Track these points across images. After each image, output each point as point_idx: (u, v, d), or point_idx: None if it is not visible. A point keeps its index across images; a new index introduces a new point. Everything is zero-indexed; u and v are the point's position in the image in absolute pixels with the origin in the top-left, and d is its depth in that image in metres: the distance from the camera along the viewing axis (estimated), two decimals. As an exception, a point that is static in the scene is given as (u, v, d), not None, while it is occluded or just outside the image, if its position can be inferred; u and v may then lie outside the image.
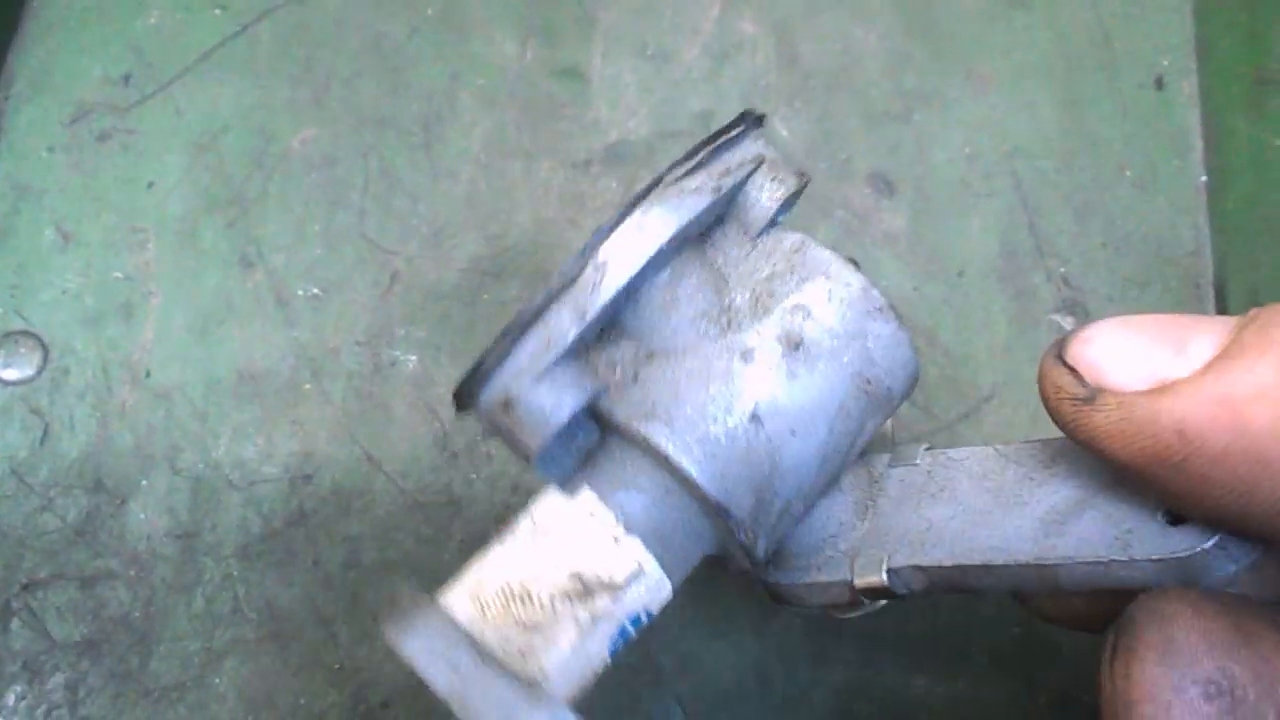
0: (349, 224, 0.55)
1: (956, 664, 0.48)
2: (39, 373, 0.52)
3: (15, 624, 0.48)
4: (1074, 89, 0.58)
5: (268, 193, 0.56)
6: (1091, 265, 0.55)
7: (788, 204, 0.32)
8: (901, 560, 0.30)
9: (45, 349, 0.52)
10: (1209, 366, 0.22)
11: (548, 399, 0.28)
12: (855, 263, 0.31)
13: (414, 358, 0.53)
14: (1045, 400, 0.26)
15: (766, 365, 0.28)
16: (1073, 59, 0.59)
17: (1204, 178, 0.56)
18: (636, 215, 0.28)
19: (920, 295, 0.54)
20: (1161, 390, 0.22)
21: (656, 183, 0.29)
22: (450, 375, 0.52)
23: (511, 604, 0.28)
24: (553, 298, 0.28)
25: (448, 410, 0.52)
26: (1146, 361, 0.23)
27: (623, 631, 0.29)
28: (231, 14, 0.59)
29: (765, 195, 0.30)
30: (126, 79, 0.57)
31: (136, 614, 0.48)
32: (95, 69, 0.58)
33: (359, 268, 0.54)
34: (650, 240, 0.28)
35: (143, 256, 0.54)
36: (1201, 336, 0.22)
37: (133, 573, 0.49)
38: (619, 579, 0.28)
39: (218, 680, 0.47)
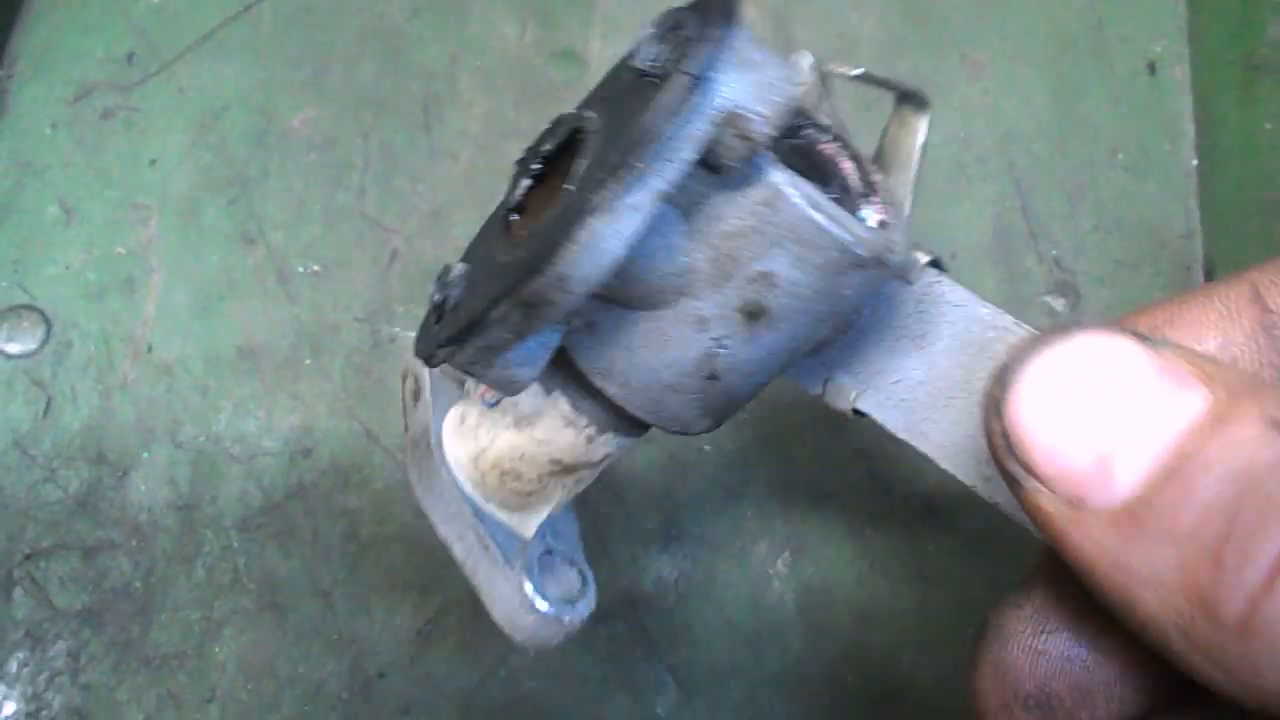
0: (349, 202, 0.56)
1: (944, 640, 0.48)
2: (42, 346, 0.52)
3: (18, 593, 0.48)
4: (1067, 74, 0.59)
5: (269, 171, 0.56)
6: (1083, 248, 0.55)
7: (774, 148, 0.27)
8: (865, 406, 0.31)
9: (48, 323, 0.53)
10: (1108, 519, 0.23)
11: (518, 367, 0.27)
12: (842, 208, 0.28)
13: (412, 334, 0.53)
14: (987, 439, 0.25)
15: (724, 332, 0.27)
16: (1066, 44, 0.60)
17: (1195, 162, 0.57)
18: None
19: (913, 276, 0.55)
20: (1076, 515, 0.22)
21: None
22: (448, 352, 0.53)
23: (505, 479, 0.31)
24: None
25: (446, 386, 0.52)
26: (1072, 468, 0.23)
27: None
28: (234, -6, 0.60)
29: (737, 144, 0.25)
30: (129, 58, 0.58)
31: (137, 584, 0.49)
32: (98, 48, 0.58)
33: (359, 245, 0.55)
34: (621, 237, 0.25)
35: (145, 233, 0.55)
36: (1125, 462, 0.22)
37: (134, 543, 0.49)
38: (595, 459, 0.31)
39: (217, 649, 0.48)
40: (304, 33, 0.59)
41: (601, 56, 0.60)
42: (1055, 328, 0.24)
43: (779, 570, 0.50)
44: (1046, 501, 0.23)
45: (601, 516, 0.50)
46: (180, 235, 0.55)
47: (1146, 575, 0.22)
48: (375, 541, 0.50)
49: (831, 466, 0.51)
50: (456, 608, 0.49)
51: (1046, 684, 0.26)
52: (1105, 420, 0.23)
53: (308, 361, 0.53)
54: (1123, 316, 0.28)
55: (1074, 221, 0.56)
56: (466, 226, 0.55)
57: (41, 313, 0.53)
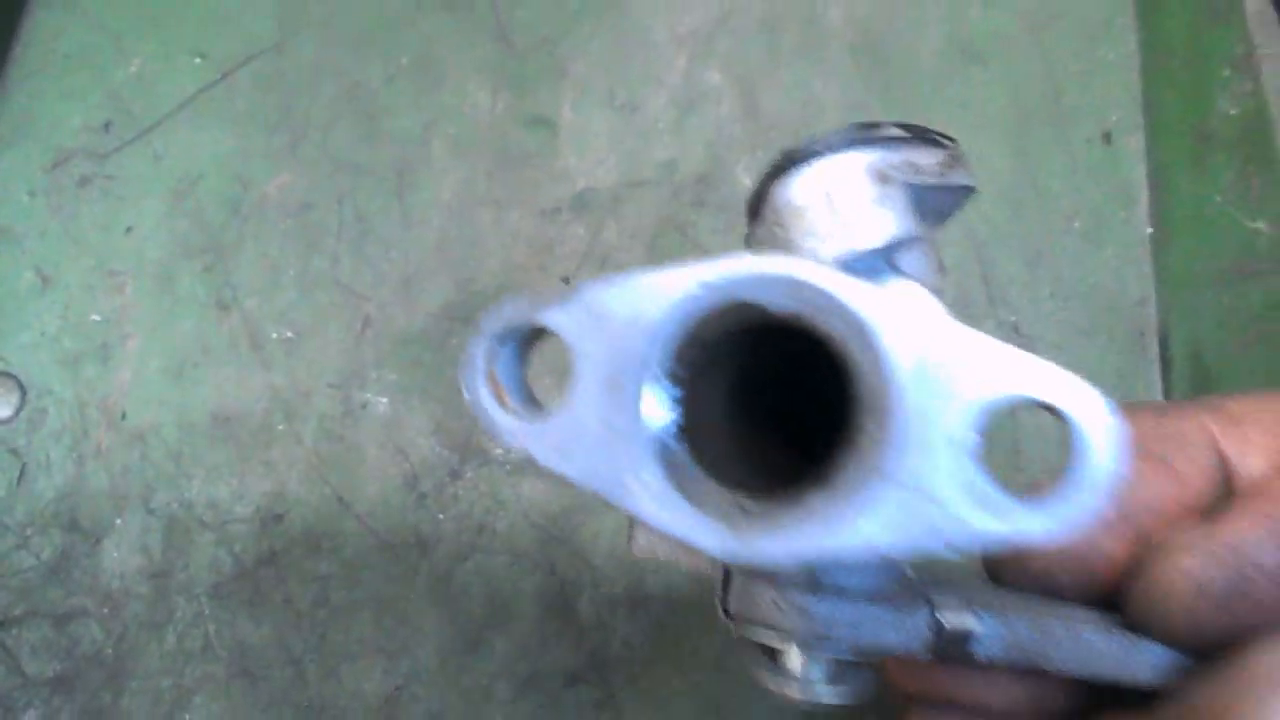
0: (323, 269, 0.57)
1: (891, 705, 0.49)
2: (16, 413, 0.53)
3: (-10, 661, 0.49)
4: (1026, 142, 0.61)
5: (244, 238, 0.57)
6: (1040, 314, 0.57)
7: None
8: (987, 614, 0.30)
9: (23, 390, 0.53)
10: None
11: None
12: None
13: (385, 400, 0.54)
14: None
15: None
16: (1025, 113, 0.61)
17: (1150, 230, 0.59)
18: None
19: (876, 342, 0.56)
20: None
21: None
22: (420, 418, 0.54)
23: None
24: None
25: (418, 452, 0.53)
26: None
27: None
28: (211, 62, 0.61)
29: None
30: (107, 126, 0.59)
31: (109, 651, 0.49)
32: (76, 115, 0.59)
33: (332, 312, 0.56)
34: None
35: (120, 300, 0.55)
36: None
37: (106, 611, 0.50)
38: None
39: (188, 717, 0.48)
40: (280, 99, 0.60)
41: (572, 124, 0.61)
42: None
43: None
44: None
45: (570, 581, 0.51)
46: (155, 302, 0.56)
47: None
48: (345, 607, 0.50)
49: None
50: (424, 674, 0.49)
51: None
52: None
53: (280, 427, 0.53)
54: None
55: (1032, 287, 0.57)
56: (438, 294, 0.56)
57: (16, 379, 0.54)
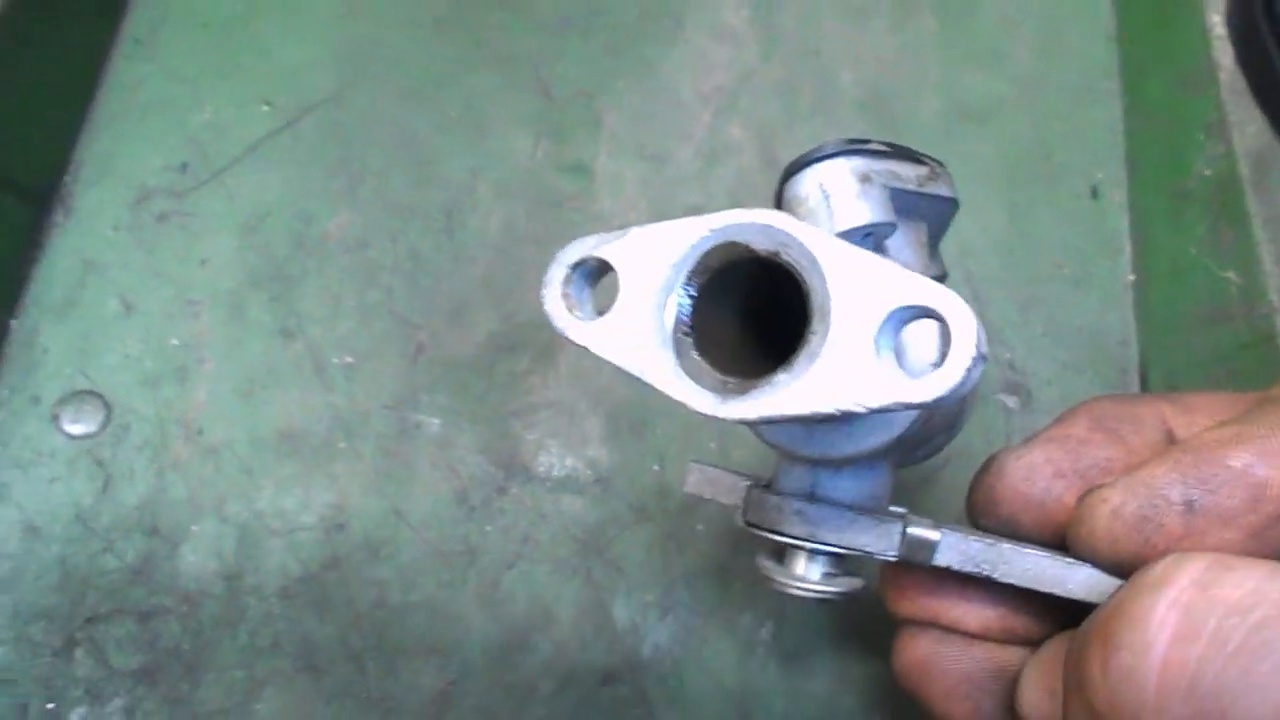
0: (379, 300, 0.62)
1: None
2: (102, 429, 0.58)
3: (79, 653, 0.53)
4: (1018, 196, 0.67)
5: (307, 271, 0.62)
6: (1033, 351, 0.62)
7: None
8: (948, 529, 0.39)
9: (108, 407, 0.58)
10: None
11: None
12: None
13: (437, 421, 0.59)
14: None
15: None
16: (1018, 169, 0.67)
17: (1131, 277, 0.64)
18: None
19: (883, 375, 0.62)
20: None
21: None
22: (469, 438, 0.59)
23: None
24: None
25: (467, 469, 0.58)
26: (1046, 712, 0.36)
27: None
28: (277, 110, 0.67)
29: None
30: (184, 167, 0.64)
31: (187, 646, 0.54)
32: (156, 157, 0.65)
33: (388, 339, 0.61)
34: None
35: (196, 326, 0.61)
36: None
37: (184, 609, 0.55)
38: None
39: (259, 706, 0.53)
40: (340, 146, 0.66)
41: (607, 170, 0.67)
42: None
43: (763, 638, 0.56)
44: None
45: (605, 588, 0.56)
46: (227, 329, 0.61)
47: None
48: (401, 609, 0.55)
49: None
50: (473, 671, 0.54)
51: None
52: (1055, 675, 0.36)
53: (342, 445, 0.59)
54: (1200, 432, 0.37)
55: (1025, 328, 0.63)
56: (484, 325, 0.62)
57: (102, 398, 0.59)
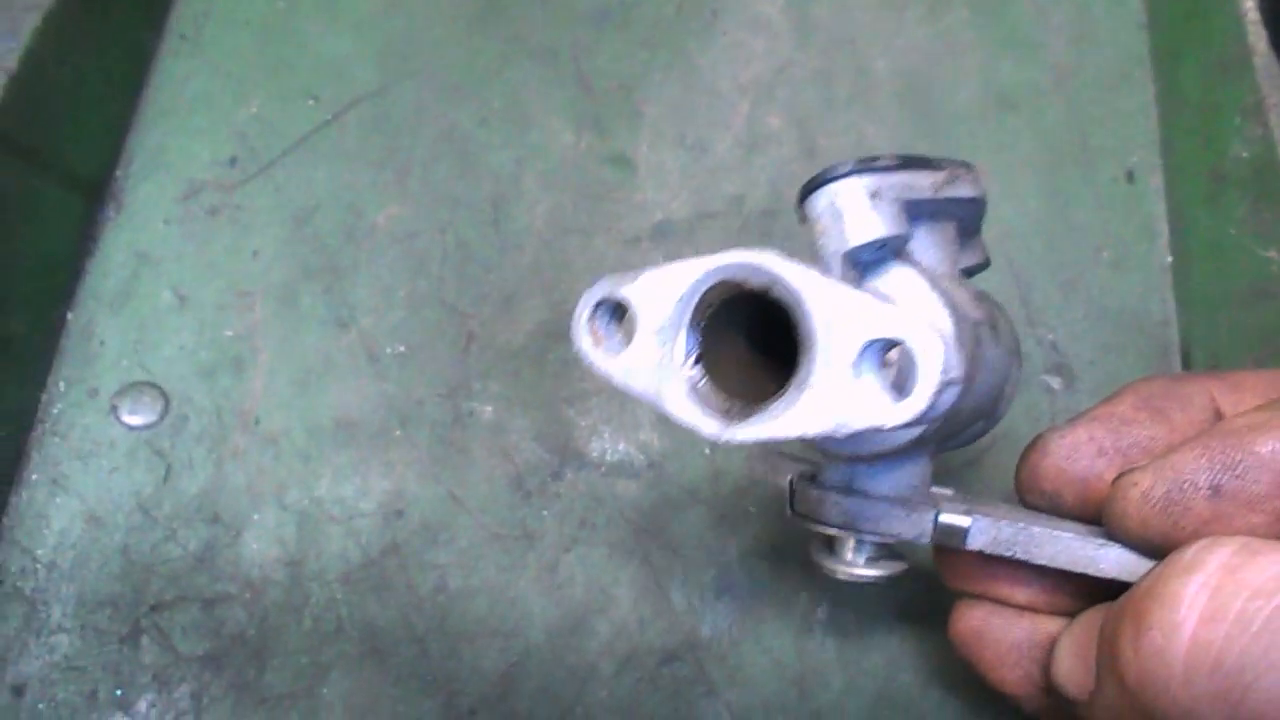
0: (429, 290, 0.63)
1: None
2: (161, 419, 0.58)
3: (145, 640, 0.54)
4: (1056, 181, 0.68)
5: (358, 262, 0.63)
6: (1075, 333, 0.63)
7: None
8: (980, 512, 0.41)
9: (166, 398, 0.59)
10: (1093, 692, 0.36)
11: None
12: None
13: (490, 409, 0.60)
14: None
15: None
16: (1055, 155, 0.68)
17: (1169, 259, 0.65)
18: None
19: (929, 358, 0.62)
20: (1089, 705, 0.37)
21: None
22: (523, 424, 0.60)
23: None
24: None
25: (521, 455, 0.59)
26: (1079, 682, 0.38)
27: None
28: (323, 105, 0.67)
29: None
30: (233, 161, 0.65)
31: (252, 632, 0.55)
32: (205, 151, 0.65)
33: (439, 329, 0.62)
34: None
35: (250, 317, 0.61)
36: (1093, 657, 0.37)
37: (248, 595, 0.55)
38: None
39: (325, 690, 0.54)
40: (386, 139, 0.67)
41: (648, 161, 0.68)
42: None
43: (819, 617, 0.56)
44: (1082, 712, 0.39)
45: (662, 570, 0.57)
46: (281, 319, 0.61)
47: None
48: (462, 593, 0.56)
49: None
50: (535, 652, 0.55)
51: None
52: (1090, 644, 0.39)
53: (397, 433, 0.59)
54: (1230, 417, 0.39)
55: (1067, 310, 0.64)
56: (534, 313, 0.62)
57: (160, 389, 0.59)
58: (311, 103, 0.67)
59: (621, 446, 0.60)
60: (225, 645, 0.54)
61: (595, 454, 0.59)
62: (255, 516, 0.57)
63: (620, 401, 0.61)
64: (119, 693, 0.53)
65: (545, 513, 0.58)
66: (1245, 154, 0.61)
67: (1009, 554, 0.40)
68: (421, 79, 0.69)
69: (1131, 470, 0.37)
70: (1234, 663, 0.30)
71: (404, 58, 0.70)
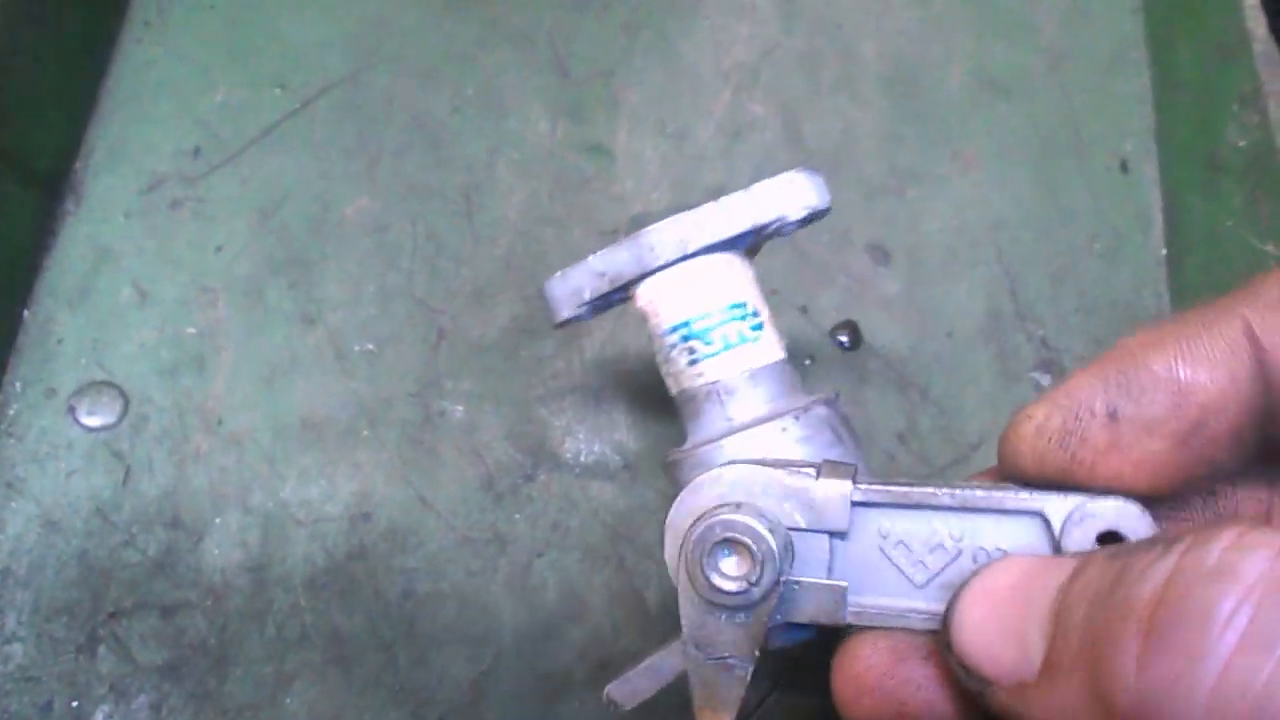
0: (400, 285, 0.61)
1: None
2: (120, 420, 0.57)
3: (102, 649, 0.52)
4: (1048, 170, 0.65)
5: (326, 256, 0.61)
6: (1065, 328, 0.61)
7: None
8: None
9: (126, 398, 0.57)
10: (1038, 684, 0.29)
11: None
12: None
13: (460, 408, 0.58)
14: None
15: None
16: (1047, 143, 0.66)
17: (1164, 251, 0.63)
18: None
19: (914, 354, 0.61)
20: (1018, 693, 0.30)
21: None
22: (494, 423, 0.58)
23: None
24: None
25: (493, 455, 0.57)
26: (1003, 659, 0.30)
27: None
28: (291, 92, 0.65)
29: None
30: (196, 151, 0.63)
31: (213, 640, 0.53)
32: (167, 142, 0.63)
33: (409, 325, 0.60)
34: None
35: (213, 314, 0.59)
36: (1033, 635, 0.30)
37: (209, 602, 0.53)
38: None
39: (289, 700, 0.52)
40: (356, 127, 0.65)
41: (627, 150, 0.66)
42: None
43: (799, 623, 0.55)
44: (1003, 704, 0.30)
45: (638, 575, 0.55)
46: (245, 316, 0.59)
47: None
48: (431, 598, 0.54)
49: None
50: (506, 659, 0.53)
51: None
52: (1017, 608, 0.31)
53: (365, 433, 0.57)
54: (1124, 338, 0.34)
55: (1057, 303, 0.62)
56: (507, 308, 0.61)
57: (119, 388, 0.57)
58: (279, 90, 0.65)
59: (596, 447, 0.58)
60: (185, 654, 0.53)
61: (569, 455, 0.58)
62: (217, 520, 0.55)
63: (595, 400, 0.59)
64: (75, 704, 0.51)
65: (517, 515, 0.56)
66: (1242, 142, 0.59)
67: (909, 504, 0.35)
68: (394, 65, 0.67)
69: (1026, 405, 0.34)
70: (1277, 709, 0.23)
71: (376, 43, 0.67)
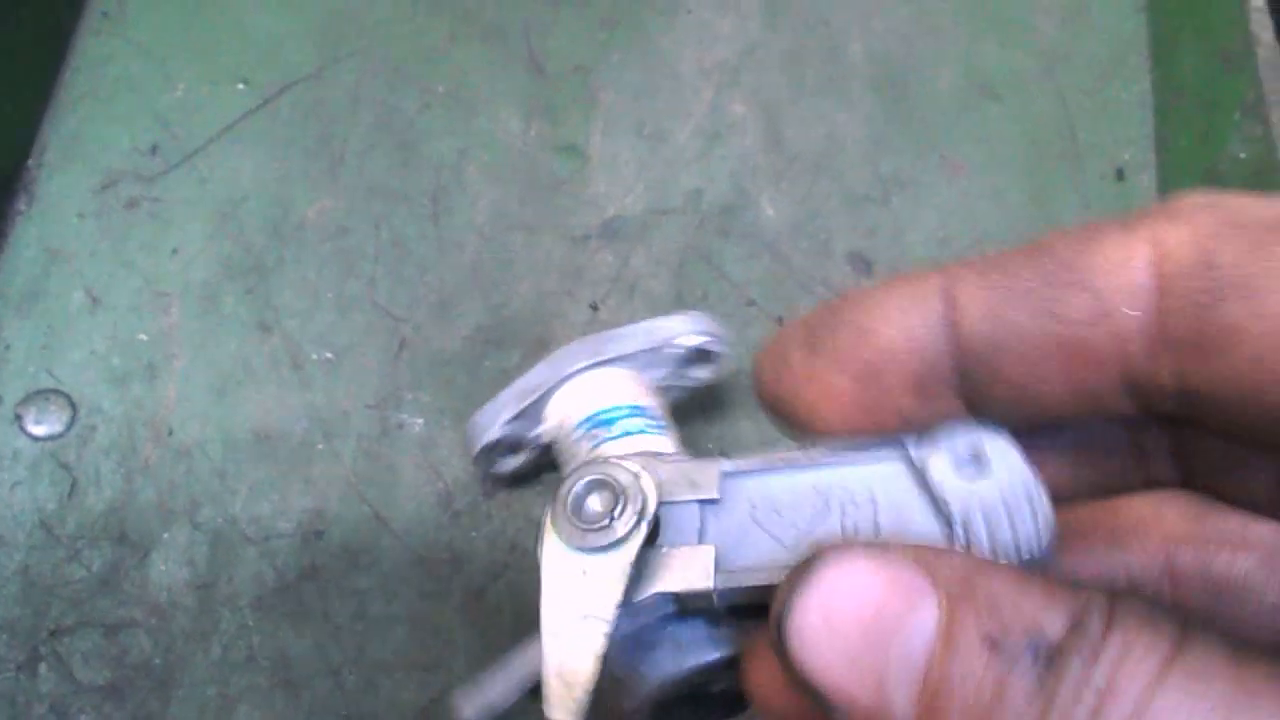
0: (360, 292, 0.59)
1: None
2: (67, 429, 0.55)
3: (43, 668, 0.51)
4: (1041, 177, 0.63)
5: (284, 261, 0.59)
6: (1053, 346, 0.59)
7: None
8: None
9: (74, 407, 0.55)
10: None
11: None
12: None
13: (420, 421, 0.56)
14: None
15: None
16: (1040, 149, 0.63)
17: (1159, 265, 0.61)
18: None
19: (894, 371, 0.58)
20: None
21: None
22: (454, 438, 0.56)
23: None
24: None
25: (451, 471, 0.55)
26: (858, 697, 0.23)
27: None
28: (253, 89, 0.63)
29: None
30: (154, 149, 0.61)
31: (157, 660, 0.51)
32: (124, 139, 0.61)
33: (369, 334, 0.58)
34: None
35: (166, 320, 0.57)
36: (898, 695, 0.23)
37: (154, 621, 0.52)
38: None
39: (232, 725, 0.51)
40: (319, 126, 0.62)
41: (602, 151, 0.63)
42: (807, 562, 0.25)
43: (764, 652, 0.53)
44: None
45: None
46: (200, 322, 0.58)
47: None
48: (383, 621, 0.53)
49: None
50: (459, 686, 0.51)
51: None
52: (873, 648, 0.24)
53: (320, 446, 0.56)
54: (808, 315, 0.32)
55: (1045, 320, 0.59)
56: (471, 317, 0.58)
57: (68, 397, 0.56)
58: (241, 86, 0.63)
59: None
60: (128, 675, 0.51)
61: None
62: (165, 535, 0.53)
63: (560, 415, 0.57)
64: (13, 725, 0.50)
65: (474, 534, 0.54)
66: (1243, 154, 0.56)
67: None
68: (361, 60, 0.65)
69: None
70: None
71: (343, 37, 0.65)
